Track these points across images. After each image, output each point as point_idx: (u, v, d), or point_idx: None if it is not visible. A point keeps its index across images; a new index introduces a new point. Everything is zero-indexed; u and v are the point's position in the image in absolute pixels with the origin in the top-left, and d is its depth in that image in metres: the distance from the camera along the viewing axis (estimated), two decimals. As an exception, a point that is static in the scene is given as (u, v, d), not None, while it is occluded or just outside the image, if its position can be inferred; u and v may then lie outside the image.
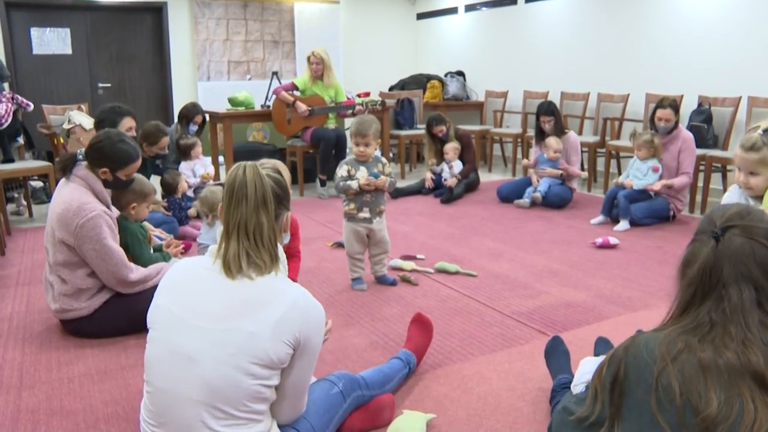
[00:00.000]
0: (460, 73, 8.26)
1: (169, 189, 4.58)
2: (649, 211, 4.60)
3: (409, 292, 3.30)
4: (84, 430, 2.04)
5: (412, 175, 6.99)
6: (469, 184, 5.85)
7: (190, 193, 4.77)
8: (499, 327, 2.84)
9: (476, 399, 2.20)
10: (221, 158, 6.89)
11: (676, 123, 4.63)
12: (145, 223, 3.16)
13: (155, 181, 4.62)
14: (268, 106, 6.22)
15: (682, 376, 1.19)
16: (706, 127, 5.19)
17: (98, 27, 7.53)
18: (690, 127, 5.14)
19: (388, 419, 2.01)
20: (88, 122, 5.20)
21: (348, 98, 6.29)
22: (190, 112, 5.40)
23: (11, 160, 5.09)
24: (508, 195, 5.46)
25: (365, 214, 3.27)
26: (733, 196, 2.77)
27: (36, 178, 5.74)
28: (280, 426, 1.68)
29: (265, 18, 8.16)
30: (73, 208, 2.56)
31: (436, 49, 8.86)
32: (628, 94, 6.06)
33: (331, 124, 6.05)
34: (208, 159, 5.57)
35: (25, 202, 5.31)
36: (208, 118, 5.86)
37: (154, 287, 2.55)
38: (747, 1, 5.18)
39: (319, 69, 5.91)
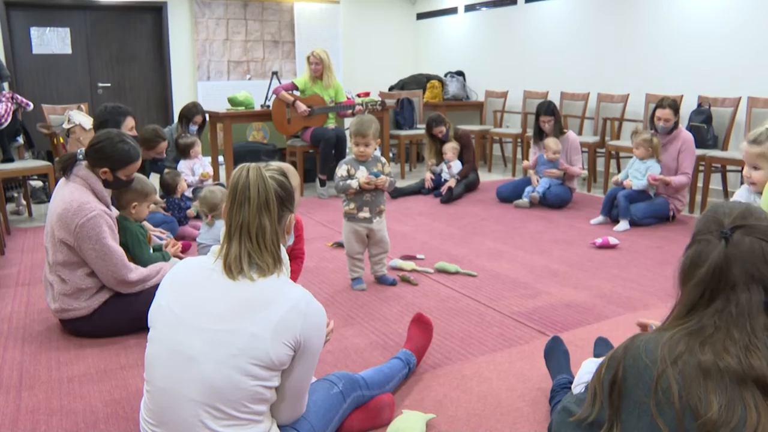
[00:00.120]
0: (460, 73, 8.26)
1: (168, 189, 4.57)
2: (649, 212, 4.60)
3: (408, 292, 3.30)
4: (84, 429, 2.04)
5: (412, 175, 6.99)
6: (468, 184, 5.85)
7: (188, 193, 4.77)
8: (499, 327, 2.84)
9: (476, 399, 2.20)
10: (221, 158, 6.89)
11: (676, 123, 4.62)
12: (145, 223, 3.16)
13: (154, 179, 4.63)
14: (268, 106, 6.22)
15: (682, 379, 1.18)
16: (705, 127, 5.19)
17: (98, 27, 7.53)
18: (690, 128, 5.14)
19: (387, 419, 2.01)
20: (87, 122, 5.20)
21: (348, 98, 6.29)
22: (190, 111, 5.40)
23: (11, 160, 5.09)
24: (508, 195, 5.46)
25: (365, 213, 3.27)
26: (741, 194, 2.78)
27: (36, 177, 5.74)
28: (280, 426, 1.68)
29: (265, 18, 8.16)
30: (73, 208, 2.56)
31: (436, 49, 8.86)
32: (628, 94, 6.06)
33: (331, 124, 6.05)
34: (208, 159, 5.57)
35: (24, 202, 5.31)
36: (207, 118, 5.85)
37: (154, 287, 2.56)
38: (747, 1, 5.18)
39: (319, 69, 5.91)
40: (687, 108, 5.41)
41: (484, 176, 6.79)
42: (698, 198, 5.17)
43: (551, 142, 5.16)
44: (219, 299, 1.55)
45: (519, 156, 7.03)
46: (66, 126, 5.41)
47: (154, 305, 1.64)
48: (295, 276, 2.73)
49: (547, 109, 5.25)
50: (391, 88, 8.52)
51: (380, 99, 6.56)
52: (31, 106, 5.41)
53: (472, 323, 2.89)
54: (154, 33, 7.82)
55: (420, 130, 7.18)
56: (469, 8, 8.17)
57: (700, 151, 4.96)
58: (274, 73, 6.66)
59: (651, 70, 6.02)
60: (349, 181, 3.22)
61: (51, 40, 7.32)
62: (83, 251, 2.59)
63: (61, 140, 5.40)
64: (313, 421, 1.74)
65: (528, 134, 6.54)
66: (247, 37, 8.09)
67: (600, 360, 1.82)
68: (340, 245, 4.04)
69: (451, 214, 5.09)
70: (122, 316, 2.71)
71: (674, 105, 4.57)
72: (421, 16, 9.07)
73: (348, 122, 6.75)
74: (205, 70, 7.91)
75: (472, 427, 2.03)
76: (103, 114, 3.84)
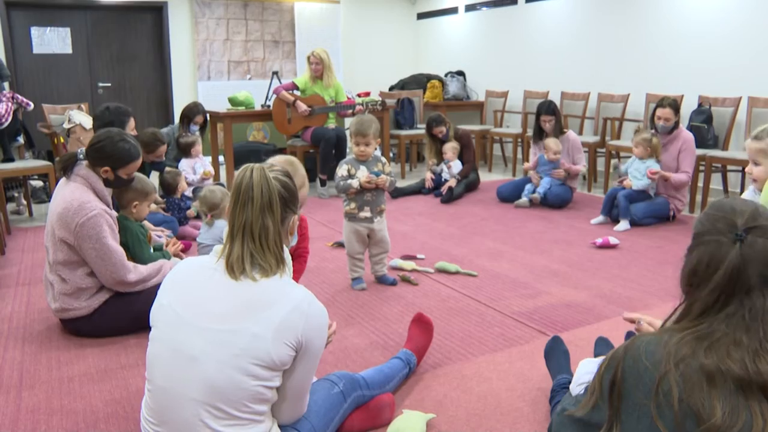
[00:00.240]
0: (461, 73, 8.26)
1: (168, 189, 4.57)
2: (649, 211, 4.60)
3: (409, 292, 3.30)
4: (84, 429, 2.04)
5: (412, 175, 6.99)
6: (469, 184, 5.85)
7: (188, 193, 4.77)
8: (499, 327, 2.84)
9: (476, 399, 2.20)
10: (221, 158, 6.89)
11: (677, 123, 4.62)
12: (145, 222, 3.16)
13: (154, 179, 4.63)
14: (269, 106, 6.22)
15: (684, 382, 1.16)
16: (706, 127, 5.19)
17: (98, 26, 7.53)
18: (690, 128, 5.14)
19: (388, 419, 2.01)
20: (88, 122, 5.20)
21: (348, 98, 6.29)
22: (192, 111, 5.41)
23: (11, 160, 5.09)
24: (508, 195, 5.46)
25: (366, 213, 3.27)
26: (748, 195, 2.79)
27: (36, 177, 5.74)
28: (281, 426, 1.68)
29: (266, 18, 8.16)
30: (74, 207, 2.56)
31: (436, 49, 8.86)
32: (629, 94, 6.06)
33: (332, 124, 6.05)
34: (208, 159, 5.57)
35: (25, 202, 5.31)
36: (208, 118, 5.85)
37: (155, 286, 2.57)
38: (747, 1, 5.18)
39: (319, 69, 5.91)
40: (687, 108, 5.40)
41: (485, 176, 6.79)
42: (698, 198, 5.17)
43: (552, 142, 5.16)
44: (221, 299, 1.55)
45: (519, 156, 7.03)
46: (66, 126, 5.41)
47: (156, 304, 1.64)
48: (297, 275, 2.73)
49: (548, 108, 5.25)
50: (391, 88, 8.52)
51: (380, 99, 6.56)
52: (32, 105, 5.41)
53: (472, 323, 2.89)
54: (155, 33, 7.82)
55: (420, 130, 7.18)
56: (470, 8, 8.16)
57: (700, 151, 4.96)
58: (275, 73, 6.66)
59: (651, 70, 6.02)
60: (349, 181, 3.22)
61: (51, 40, 7.32)
62: (83, 250, 2.59)
63: (62, 140, 5.40)
64: (313, 421, 1.74)
65: (528, 134, 6.53)
66: (248, 37, 8.09)
67: (598, 360, 1.82)
68: (340, 245, 4.04)
69: (451, 214, 5.09)
70: (122, 316, 2.71)
71: (674, 104, 4.57)
72: (421, 15, 9.07)
73: (348, 122, 6.75)
74: (206, 70, 7.91)
75: (472, 427, 2.03)
76: (106, 115, 3.83)
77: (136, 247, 2.90)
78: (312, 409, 1.76)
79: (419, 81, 8.32)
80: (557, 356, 2.24)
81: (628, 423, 1.22)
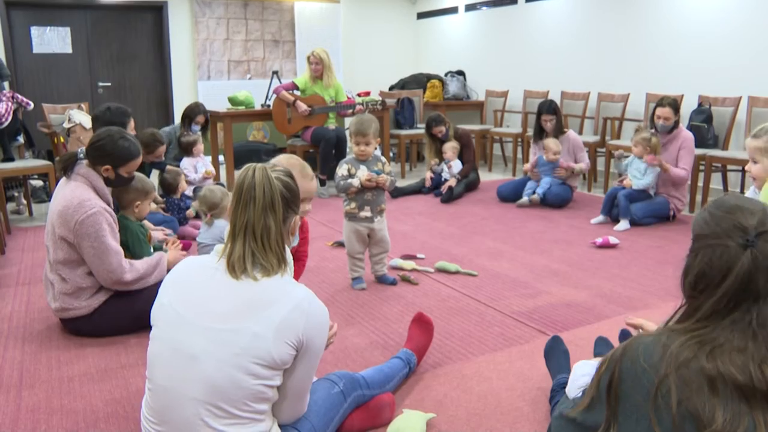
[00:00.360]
0: (461, 73, 8.26)
1: (168, 189, 4.56)
2: (649, 211, 4.60)
3: (409, 292, 3.30)
4: (84, 429, 2.04)
5: (412, 174, 6.99)
6: (469, 184, 5.85)
7: (189, 192, 4.76)
8: (499, 326, 2.84)
9: (476, 398, 2.20)
10: (221, 157, 6.89)
11: (677, 122, 4.63)
12: (146, 222, 3.16)
13: (155, 178, 4.63)
14: (269, 106, 6.22)
15: (684, 385, 1.14)
16: (706, 126, 5.19)
17: (98, 26, 7.53)
18: (690, 127, 5.14)
19: (388, 418, 2.01)
20: (88, 121, 5.20)
21: (348, 98, 6.29)
22: (193, 111, 5.41)
23: (11, 159, 5.09)
24: (508, 195, 5.46)
25: (366, 213, 3.27)
26: (749, 194, 2.80)
27: (36, 177, 5.74)
28: (281, 426, 1.68)
29: (266, 17, 8.16)
30: (74, 205, 2.56)
31: (436, 49, 8.86)
32: (629, 94, 6.06)
33: (332, 124, 6.05)
34: (208, 158, 5.57)
35: (25, 201, 5.31)
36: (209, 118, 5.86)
37: (156, 285, 2.57)
38: (747, 1, 5.18)
39: (319, 69, 5.91)
40: (687, 108, 5.40)
41: (485, 176, 6.79)
42: (698, 198, 5.17)
43: (551, 143, 5.16)
44: (222, 298, 1.55)
45: (519, 156, 7.03)
46: (66, 125, 5.42)
47: (157, 303, 1.64)
48: (296, 277, 2.72)
49: (549, 107, 5.25)
50: (391, 88, 8.52)
51: (380, 98, 6.56)
52: (32, 105, 5.41)
53: (472, 323, 2.89)
54: (155, 32, 7.82)
55: (420, 129, 7.18)
56: (470, 8, 8.16)
57: (700, 151, 4.96)
58: (275, 73, 6.66)
59: (651, 69, 6.02)
60: (350, 180, 3.22)
61: (51, 40, 7.32)
62: (81, 249, 2.59)
63: (62, 139, 5.40)
64: (313, 420, 1.74)
65: (528, 134, 6.54)
66: (248, 37, 8.09)
67: (592, 362, 1.81)
68: (340, 245, 4.04)
69: (451, 214, 5.09)
70: (123, 316, 2.71)
71: (674, 104, 4.57)
72: (421, 15, 9.07)
73: (348, 122, 6.74)
74: (206, 70, 7.91)
75: (472, 427, 2.03)
76: (107, 115, 3.83)
77: (136, 247, 2.90)
78: (312, 408, 1.76)
79: (419, 81, 8.33)
80: (557, 356, 2.24)
81: (625, 425, 1.21)
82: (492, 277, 3.54)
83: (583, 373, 1.78)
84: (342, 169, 3.26)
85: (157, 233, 3.41)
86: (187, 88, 7.87)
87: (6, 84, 5.75)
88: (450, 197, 5.52)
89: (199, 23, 7.78)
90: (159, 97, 7.97)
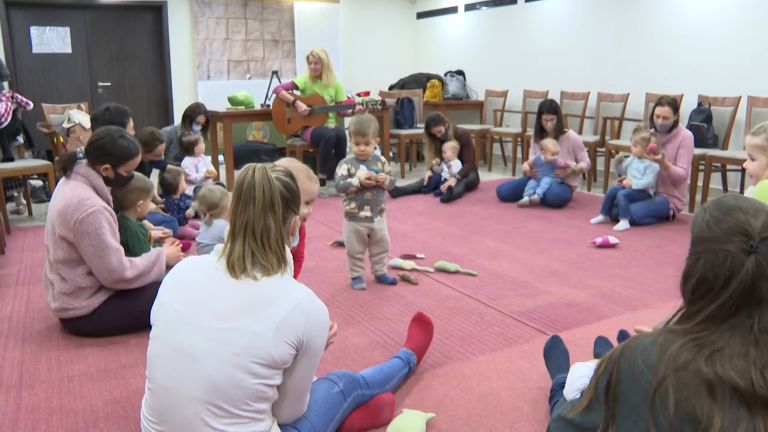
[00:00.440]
0: (460, 73, 8.26)
1: (169, 189, 4.56)
2: (648, 211, 4.60)
3: (409, 292, 3.30)
4: (84, 429, 2.04)
5: (412, 174, 6.99)
6: (468, 184, 5.85)
7: (189, 192, 4.76)
8: (499, 326, 2.84)
9: (476, 398, 2.20)
10: (221, 157, 6.89)
11: (676, 122, 4.63)
12: (146, 222, 3.16)
13: (155, 177, 4.62)
14: (268, 106, 6.22)
15: (682, 387, 1.13)
16: (706, 126, 5.19)
17: (98, 26, 7.53)
18: (690, 127, 5.14)
19: (388, 418, 2.01)
20: (87, 121, 5.20)
21: (348, 97, 6.29)
22: (194, 111, 5.42)
23: (11, 159, 5.09)
24: (508, 194, 5.46)
25: (366, 212, 3.27)
26: (749, 194, 2.80)
27: (36, 177, 5.74)
28: (281, 425, 1.68)
29: (265, 17, 8.16)
30: (74, 204, 2.56)
31: (436, 49, 8.86)
32: (628, 94, 6.06)
33: (331, 124, 6.05)
34: (208, 158, 5.57)
35: (24, 201, 5.31)
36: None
37: (156, 285, 2.56)
38: (747, 1, 5.18)
39: (318, 68, 5.91)
40: (687, 107, 5.41)
41: (484, 175, 6.79)
42: (698, 197, 5.17)
43: (549, 143, 5.17)
44: (222, 298, 1.55)
45: (519, 155, 7.03)
46: (66, 125, 5.41)
47: (157, 303, 1.64)
48: (294, 277, 2.72)
49: (549, 107, 5.26)
50: (391, 88, 8.52)
51: (380, 98, 6.56)
52: (31, 105, 5.41)
53: (472, 322, 2.89)
54: (154, 32, 7.81)
55: (420, 129, 7.18)
56: (469, 7, 8.16)
57: (700, 150, 4.96)
58: (274, 73, 6.66)
59: (651, 69, 6.02)
60: (349, 180, 3.22)
61: (51, 40, 7.32)
62: (81, 247, 2.59)
63: (61, 139, 5.40)
64: (313, 420, 1.74)
65: (528, 133, 6.54)
66: (247, 37, 8.09)
67: (590, 363, 1.81)
68: (340, 244, 4.04)
69: (451, 214, 5.09)
70: (122, 316, 2.71)
71: (673, 103, 4.57)
72: (421, 15, 9.07)
73: (348, 122, 6.74)
74: (205, 70, 7.91)
75: (472, 427, 2.03)
76: (106, 116, 3.83)
77: (136, 247, 2.90)
78: (312, 408, 1.76)
79: (419, 80, 8.32)
80: (556, 355, 2.24)
81: (624, 426, 1.20)
82: (492, 276, 3.54)
83: (580, 374, 1.78)
84: (342, 169, 3.26)
85: (156, 233, 3.41)
86: (186, 87, 7.87)
87: (6, 84, 5.75)
88: (450, 197, 5.52)
89: (198, 23, 7.78)
90: (159, 97, 7.97)
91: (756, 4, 5.12)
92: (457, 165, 5.79)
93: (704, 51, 5.54)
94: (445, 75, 8.32)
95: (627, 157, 4.77)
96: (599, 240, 4.11)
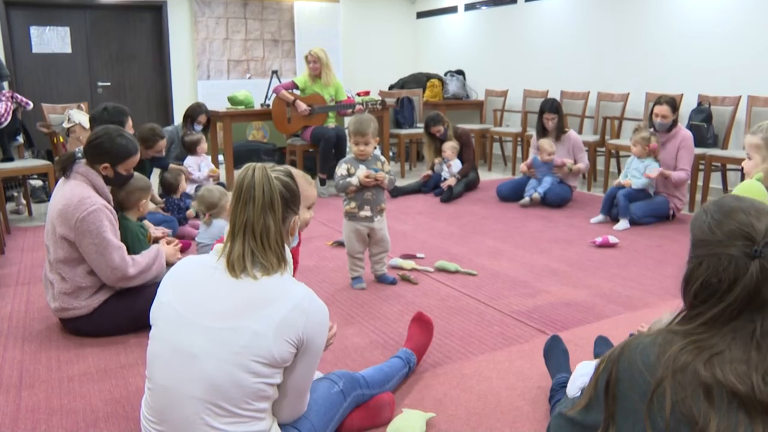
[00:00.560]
0: (460, 72, 8.25)
1: (169, 189, 4.56)
2: (648, 210, 4.60)
3: (409, 291, 3.30)
4: (84, 428, 2.04)
5: (412, 174, 6.99)
6: (468, 183, 5.85)
7: (190, 191, 4.76)
8: (499, 326, 2.84)
9: (476, 398, 2.20)
10: (221, 157, 6.89)
11: (675, 121, 4.63)
12: (146, 222, 3.16)
13: (155, 177, 4.62)
14: (268, 105, 6.22)
15: (680, 389, 1.12)
16: (705, 126, 5.19)
17: (98, 26, 7.53)
18: (690, 126, 5.14)
19: (387, 418, 2.02)
20: (87, 121, 5.19)
21: (348, 97, 6.29)
22: (195, 111, 5.43)
23: (11, 159, 5.09)
24: (508, 194, 5.46)
25: (366, 212, 3.27)
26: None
27: (35, 177, 5.74)
28: (281, 424, 1.68)
29: (265, 17, 8.16)
30: (74, 203, 2.56)
31: (435, 48, 8.86)
32: (628, 94, 6.06)
33: (331, 123, 6.05)
34: (208, 158, 5.57)
35: (24, 201, 5.31)
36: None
37: (154, 284, 2.57)
38: (747, 1, 5.18)
39: (317, 67, 5.91)
40: (687, 107, 5.41)
41: (484, 175, 6.79)
42: (698, 197, 5.17)
43: (545, 143, 5.18)
44: (222, 297, 1.55)
45: (519, 155, 7.02)
46: (66, 125, 5.41)
47: (156, 302, 1.64)
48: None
49: (551, 106, 5.26)
50: (391, 87, 8.52)
51: (380, 98, 6.56)
52: (31, 105, 5.41)
53: (472, 322, 2.89)
54: (154, 32, 7.81)
55: (420, 129, 7.17)
56: (469, 7, 8.16)
57: (700, 150, 4.96)
58: (274, 72, 6.66)
59: (651, 69, 6.02)
60: (349, 179, 3.22)
61: (51, 40, 7.31)
62: (83, 246, 2.59)
63: (61, 139, 5.40)
64: (313, 419, 1.74)
65: (528, 133, 6.54)
66: (247, 36, 8.09)
67: (594, 362, 1.81)
68: (340, 244, 4.04)
69: (451, 213, 5.09)
70: (122, 315, 2.71)
71: (672, 102, 4.57)
72: (421, 14, 9.07)
73: (348, 121, 6.74)
74: (205, 69, 7.91)
75: (472, 426, 2.03)
76: (104, 116, 3.83)
77: (135, 246, 2.90)
78: (312, 408, 1.76)
79: (419, 80, 8.32)
80: (556, 355, 2.24)
81: (623, 427, 1.20)
82: (492, 276, 3.54)
83: (583, 372, 1.78)
84: (341, 169, 3.26)
85: (155, 233, 3.42)
86: (186, 87, 7.87)
87: (5, 84, 5.74)
88: (450, 197, 5.52)
89: (198, 23, 7.78)
90: (158, 97, 7.97)
91: (756, 4, 5.12)
92: (456, 165, 5.79)
93: (704, 51, 5.54)
94: (445, 75, 8.32)
95: (625, 156, 4.76)
96: (599, 240, 4.12)
